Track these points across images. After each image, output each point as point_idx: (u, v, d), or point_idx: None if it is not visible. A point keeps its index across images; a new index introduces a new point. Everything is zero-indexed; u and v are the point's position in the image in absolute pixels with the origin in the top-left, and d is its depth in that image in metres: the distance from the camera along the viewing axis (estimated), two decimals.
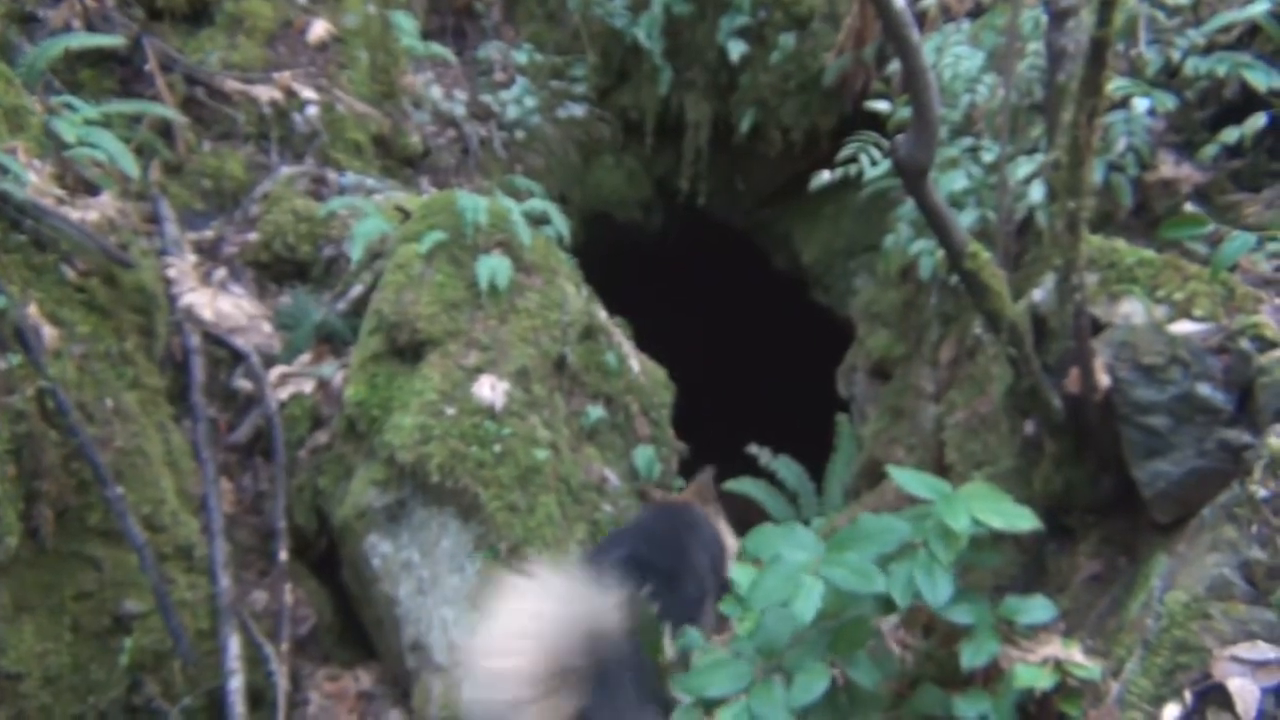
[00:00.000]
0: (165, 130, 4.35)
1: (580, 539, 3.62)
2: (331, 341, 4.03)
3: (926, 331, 4.22)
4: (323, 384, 3.88)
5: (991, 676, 2.00)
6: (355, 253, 3.91)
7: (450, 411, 3.44)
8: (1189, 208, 3.19)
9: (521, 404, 3.55)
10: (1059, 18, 3.07)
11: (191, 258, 4.05)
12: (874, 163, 3.85)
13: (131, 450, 3.10)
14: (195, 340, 3.77)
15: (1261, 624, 1.78)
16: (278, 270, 4.27)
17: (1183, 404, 2.18)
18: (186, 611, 3.15)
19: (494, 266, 3.69)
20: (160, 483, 3.19)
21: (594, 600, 2.22)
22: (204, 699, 3.16)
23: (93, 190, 3.45)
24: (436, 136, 5.39)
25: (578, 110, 5.88)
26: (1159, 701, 1.79)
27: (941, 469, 3.47)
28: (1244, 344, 2.18)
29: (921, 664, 2.22)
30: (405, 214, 4.13)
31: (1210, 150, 3.16)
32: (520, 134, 5.65)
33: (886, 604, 1.98)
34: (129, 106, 4.13)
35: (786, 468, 5.20)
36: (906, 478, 2.12)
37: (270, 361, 3.91)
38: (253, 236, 4.27)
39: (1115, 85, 3.17)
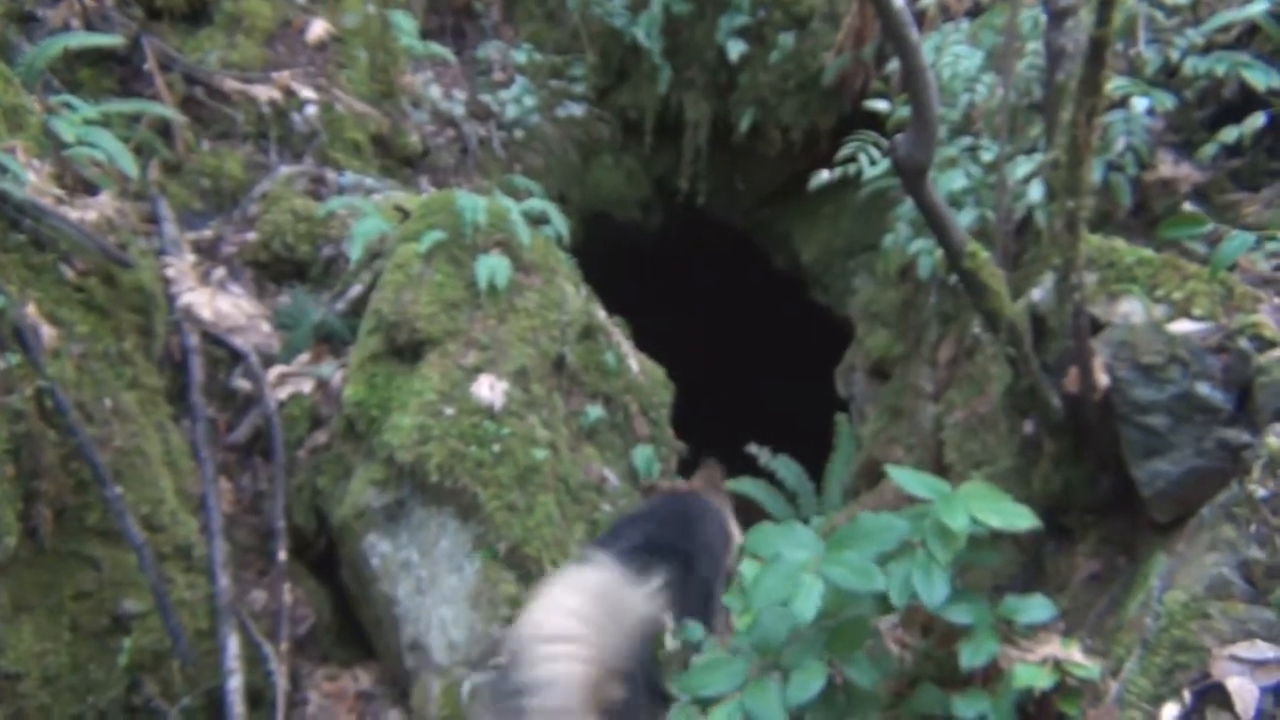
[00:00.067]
0: (164, 130, 4.35)
1: (579, 539, 3.62)
2: (330, 341, 4.03)
3: (925, 331, 4.22)
4: (322, 384, 3.88)
5: (990, 676, 2.00)
6: (354, 252, 3.91)
7: (449, 411, 3.44)
8: (1188, 207, 3.19)
9: (520, 404, 3.55)
10: (1058, 17, 3.07)
11: (190, 257, 4.05)
12: (873, 162, 3.85)
13: (130, 450, 3.10)
14: (194, 340, 3.76)
15: (1260, 623, 1.78)
16: (276, 270, 4.26)
17: (1182, 403, 2.18)
18: (185, 611, 3.15)
19: (493, 266, 3.69)
20: (159, 482, 3.19)
21: (632, 597, 2.23)
22: (203, 699, 3.16)
23: (91, 190, 3.45)
24: (435, 136, 5.39)
25: (577, 110, 5.88)
26: (1158, 701, 1.79)
27: (940, 468, 3.47)
28: (1243, 343, 2.18)
29: (920, 663, 2.22)
30: (404, 213, 4.13)
31: (1209, 149, 3.16)
32: (519, 133, 5.65)
33: (885, 603, 1.98)
34: (128, 106, 4.13)
35: (786, 467, 5.21)
36: (905, 477, 2.12)
37: (269, 361, 3.91)
38: (251, 236, 4.27)
39: (1114, 84, 3.17)
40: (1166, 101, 3.20)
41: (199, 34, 4.81)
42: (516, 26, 6.19)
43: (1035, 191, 3.34)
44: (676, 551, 2.96)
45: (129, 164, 3.51)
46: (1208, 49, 3.34)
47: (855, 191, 4.17)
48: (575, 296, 3.98)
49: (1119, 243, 2.62)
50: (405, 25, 5.21)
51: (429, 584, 3.40)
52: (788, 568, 1.99)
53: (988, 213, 3.54)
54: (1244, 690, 1.69)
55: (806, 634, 2.04)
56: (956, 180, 3.62)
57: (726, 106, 5.79)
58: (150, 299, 3.41)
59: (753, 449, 5.18)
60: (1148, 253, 2.54)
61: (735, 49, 5.40)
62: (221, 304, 3.95)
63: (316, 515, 3.72)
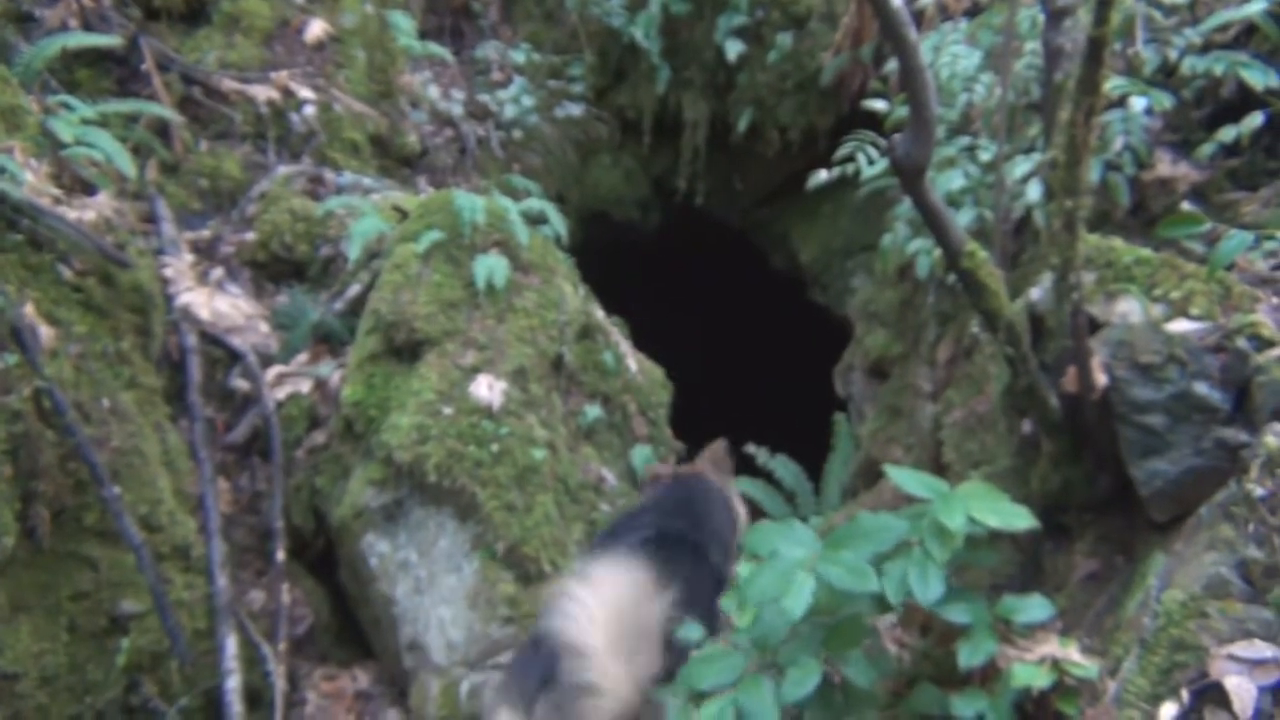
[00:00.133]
0: (162, 130, 4.35)
1: (578, 538, 3.62)
2: (329, 341, 4.03)
3: (924, 331, 4.22)
4: (320, 384, 3.88)
5: (989, 675, 2.00)
6: (352, 252, 3.91)
7: (448, 411, 3.44)
8: (1186, 206, 3.19)
9: (519, 403, 3.55)
10: (1056, 17, 3.08)
11: (188, 257, 4.05)
12: (871, 162, 3.85)
13: (128, 450, 3.10)
14: (192, 340, 3.76)
15: (1258, 622, 1.78)
16: (275, 270, 4.26)
17: (1180, 403, 2.18)
18: (184, 611, 3.15)
19: (491, 266, 3.69)
20: (157, 482, 3.19)
21: (650, 609, 2.26)
22: (201, 699, 3.16)
23: (89, 190, 3.45)
24: (434, 136, 5.39)
25: (575, 109, 5.88)
26: (1156, 700, 1.79)
27: (939, 468, 3.47)
28: (1241, 343, 2.18)
29: (919, 663, 2.22)
30: (403, 213, 4.13)
31: (1207, 149, 3.16)
32: (518, 133, 5.65)
33: (882, 603, 1.98)
34: (126, 106, 4.13)
35: (784, 467, 5.21)
36: (904, 477, 2.12)
37: (267, 361, 3.91)
38: (250, 236, 4.27)
39: (1112, 84, 3.17)
40: (1164, 101, 3.20)
41: (197, 34, 4.81)
42: (515, 26, 6.19)
43: (1033, 191, 3.34)
44: (687, 542, 3.00)
45: (127, 164, 3.51)
46: (1206, 48, 3.34)
47: (853, 191, 4.17)
48: (573, 296, 3.98)
49: (1117, 242, 2.61)
50: (403, 25, 5.21)
51: (427, 584, 3.40)
52: (783, 565, 1.99)
53: (986, 212, 3.54)
54: (1242, 689, 1.69)
55: (803, 632, 2.04)
56: (955, 180, 3.62)
57: (725, 106, 5.80)
58: (148, 299, 3.41)
59: (751, 449, 5.18)
60: (1146, 252, 2.54)
61: (733, 49, 5.40)
62: (219, 304, 3.95)
63: (315, 515, 3.72)
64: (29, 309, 2.91)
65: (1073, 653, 1.96)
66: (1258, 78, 3.06)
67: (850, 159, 3.89)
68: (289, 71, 4.77)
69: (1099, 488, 2.42)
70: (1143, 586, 2.11)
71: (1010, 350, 2.37)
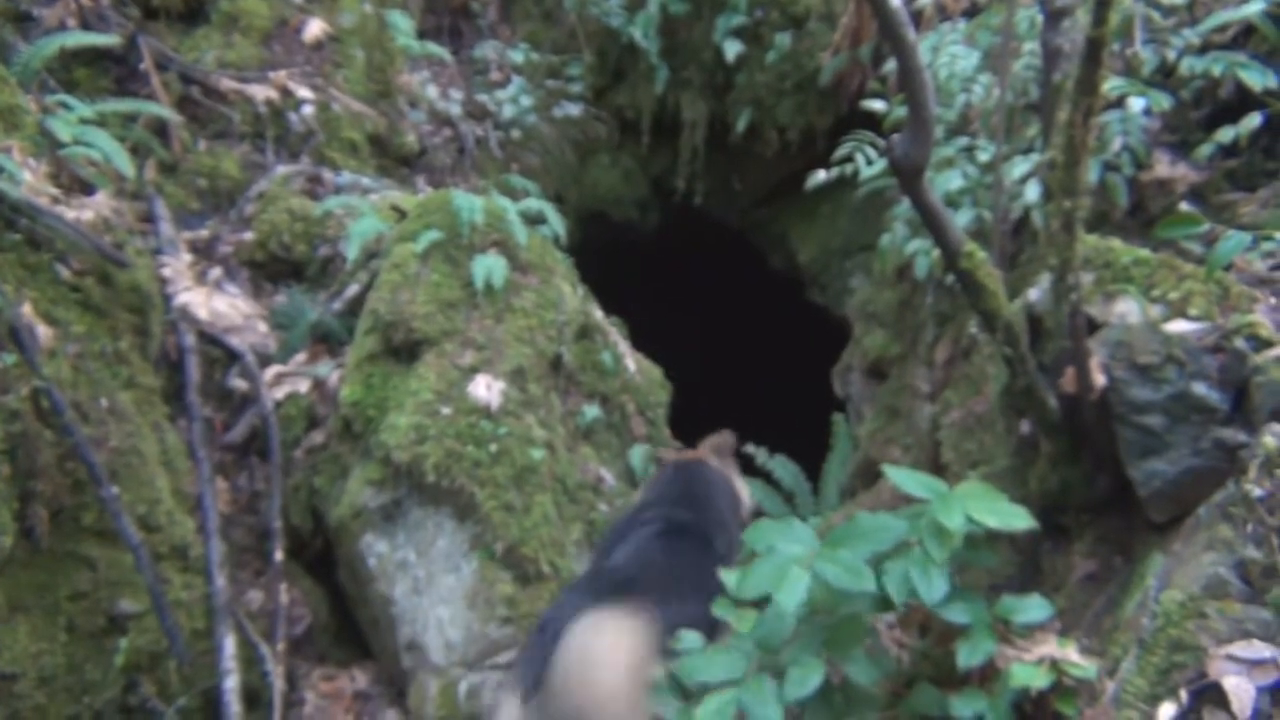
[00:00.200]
0: (160, 129, 4.35)
1: (576, 538, 3.62)
2: (327, 341, 4.02)
3: (922, 331, 4.22)
4: (318, 384, 3.88)
5: (988, 676, 2.00)
6: (351, 252, 3.91)
7: (446, 411, 3.44)
8: (1184, 207, 3.19)
9: (517, 403, 3.55)
10: (1055, 17, 3.07)
11: (187, 257, 4.05)
12: (870, 162, 3.85)
13: (127, 450, 3.09)
14: (190, 340, 3.76)
15: (1257, 623, 1.78)
16: (273, 269, 4.26)
17: (1178, 403, 2.19)
18: (182, 611, 3.15)
19: (490, 266, 3.69)
20: (155, 482, 3.18)
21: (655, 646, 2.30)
22: (199, 699, 3.16)
23: (88, 189, 3.44)
24: (432, 136, 5.39)
25: (574, 109, 5.88)
26: (1155, 700, 1.79)
27: (937, 468, 3.47)
28: (1239, 343, 2.19)
29: (918, 663, 2.22)
30: (401, 213, 4.13)
31: (1206, 150, 3.16)
32: (516, 133, 5.65)
33: (883, 602, 1.98)
34: (124, 105, 4.12)
35: (783, 467, 5.21)
36: (902, 477, 2.12)
37: (266, 361, 3.91)
38: (248, 236, 4.27)
39: (1111, 85, 3.17)
40: (1163, 102, 3.20)
41: (195, 33, 4.80)
42: (513, 26, 6.20)
43: (1032, 191, 3.34)
44: (694, 533, 3.13)
45: (125, 163, 3.51)
46: (1204, 49, 3.34)
47: (852, 191, 4.17)
48: (572, 296, 3.98)
49: (1115, 243, 2.62)
50: (402, 25, 5.21)
51: (426, 584, 3.40)
52: (779, 560, 1.99)
53: (984, 213, 3.54)
54: (1241, 690, 1.69)
55: (804, 631, 2.04)
56: (953, 180, 3.62)
57: (723, 106, 5.79)
58: (146, 299, 3.41)
59: (750, 449, 5.18)
60: (1144, 253, 2.54)
61: (732, 49, 5.40)
62: (218, 304, 3.95)
63: (313, 515, 3.72)
64: (27, 308, 2.90)
65: (1071, 653, 1.97)
66: (1256, 78, 3.06)
67: (849, 159, 3.89)
68: (287, 71, 4.77)
69: (1097, 488, 2.42)
70: (1141, 587, 2.11)
71: (1008, 351, 2.37)
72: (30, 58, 3.75)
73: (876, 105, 4.13)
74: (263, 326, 4.01)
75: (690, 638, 2.38)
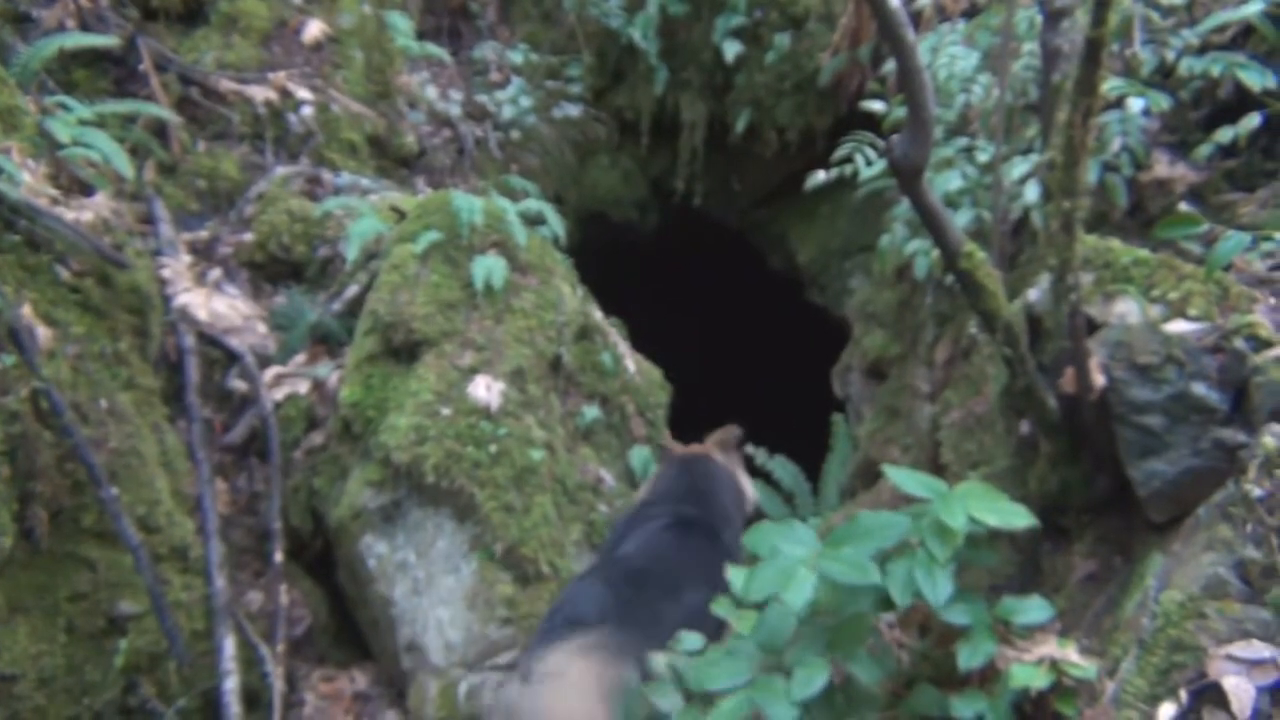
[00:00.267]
0: (160, 130, 4.35)
1: (576, 539, 3.62)
2: (327, 342, 4.02)
3: (922, 331, 4.22)
4: (318, 385, 3.88)
5: (988, 676, 2.00)
6: (350, 253, 3.91)
7: (446, 412, 3.44)
8: (1184, 207, 3.19)
9: (517, 404, 3.55)
10: (1054, 18, 3.07)
11: (186, 258, 4.05)
12: (869, 163, 3.85)
13: (126, 451, 3.09)
14: (190, 341, 3.76)
15: (1256, 623, 1.78)
16: (273, 270, 4.26)
17: (1178, 403, 2.19)
18: (181, 612, 3.15)
19: (489, 266, 3.69)
20: (155, 484, 3.18)
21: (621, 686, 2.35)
22: (199, 700, 3.16)
23: (87, 190, 3.44)
24: (432, 136, 5.39)
25: (573, 110, 5.88)
26: (1154, 700, 1.79)
27: (937, 469, 3.47)
28: (1239, 343, 2.19)
29: (918, 664, 2.22)
30: (400, 214, 4.13)
31: (1205, 150, 3.16)
32: (516, 134, 5.65)
33: (885, 601, 1.99)
34: (123, 106, 4.12)
35: (783, 468, 5.21)
36: (903, 477, 2.12)
37: (265, 362, 3.91)
38: (248, 237, 4.27)
39: (1110, 85, 3.17)
40: (1162, 102, 3.21)
41: (195, 34, 4.80)
42: (513, 27, 6.19)
43: (1031, 192, 3.34)
44: (701, 526, 3.22)
45: (124, 165, 3.51)
46: (1203, 49, 3.34)
47: (852, 192, 4.17)
48: (572, 297, 3.98)
49: (1115, 243, 2.62)
50: (401, 26, 5.21)
51: (426, 585, 3.39)
52: (785, 562, 1.99)
53: (984, 213, 3.54)
54: (1240, 690, 1.69)
55: (808, 632, 2.04)
56: (953, 181, 3.62)
57: (723, 107, 5.79)
58: (146, 300, 3.40)
59: (749, 449, 5.18)
60: (1143, 253, 2.54)
61: (731, 50, 5.40)
62: (217, 305, 3.95)
63: (313, 516, 3.72)
64: (26, 309, 2.90)
65: (1071, 653, 1.96)
66: (1255, 79, 3.06)
67: (848, 160, 3.89)
68: (287, 72, 4.77)
69: (1097, 488, 2.42)
70: (1141, 587, 2.11)
71: (1008, 351, 2.37)
72: (29, 59, 3.75)
73: (876, 106, 4.13)
74: (262, 327, 4.01)
75: (691, 639, 2.38)
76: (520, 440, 3.49)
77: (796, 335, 6.44)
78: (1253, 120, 3.03)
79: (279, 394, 3.81)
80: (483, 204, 3.85)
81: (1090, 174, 3.15)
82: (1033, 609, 2.04)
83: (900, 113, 3.82)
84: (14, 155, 3.11)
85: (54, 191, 3.24)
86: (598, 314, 4.19)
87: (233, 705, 3.13)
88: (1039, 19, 3.26)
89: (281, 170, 4.52)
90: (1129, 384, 2.23)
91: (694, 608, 2.59)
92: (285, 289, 4.21)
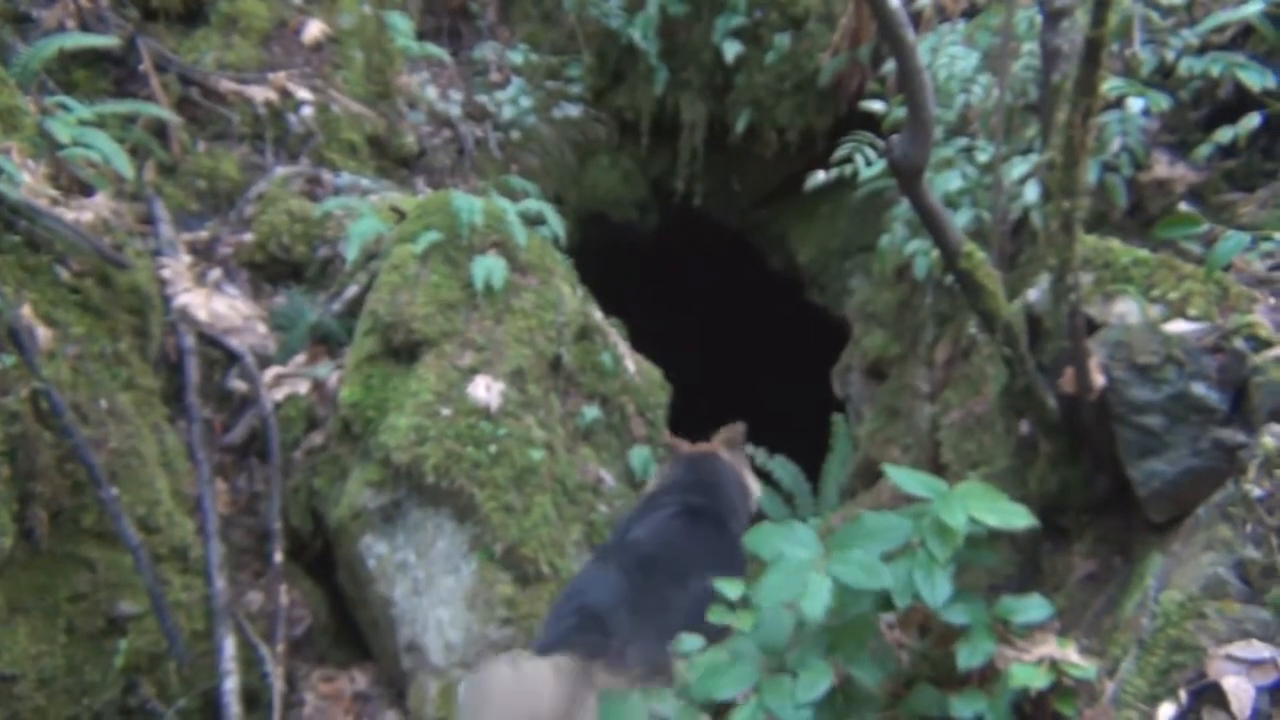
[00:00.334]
0: (160, 131, 4.35)
1: (575, 539, 3.62)
2: (327, 342, 4.02)
3: (922, 331, 4.22)
4: (318, 385, 3.88)
5: (987, 676, 2.00)
6: (350, 253, 3.91)
7: (446, 412, 3.44)
8: (1184, 207, 3.19)
9: (517, 404, 3.55)
10: (1054, 18, 3.07)
11: (186, 258, 4.05)
12: (869, 163, 3.85)
13: (126, 451, 3.09)
14: (190, 341, 3.76)
15: (1256, 623, 1.78)
16: (273, 271, 4.26)
17: (1178, 403, 2.18)
18: (181, 613, 3.15)
19: (489, 267, 3.69)
20: (155, 484, 3.18)
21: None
22: (199, 700, 3.16)
23: (87, 191, 3.44)
24: (432, 137, 5.39)
25: (573, 110, 5.88)
26: (1154, 700, 1.79)
27: (937, 469, 3.47)
28: (1238, 343, 2.19)
29: (917, 664, 2.22)
30: (400, 214, 4.13)
31: (1205, 150, 3.16)
32: (516, 134, 5.65)
33: (885, 601, 1.98)
34: (123, 107, 4.12)
35: (782, 468, 5.21)
36: (903, 477, 2.12)
37: (265, 362, 3.91)
38: (248, 237, 4.27)
39: (1110, 85, 3.17)
40: (1162, 102, 3.20)
41: (195, 35, 4.80)
42: (513, 27, 6.19)
43: (1031, 192, 3.34)
44: (709, 515, 3.30)
45: (124, 165, 3.51)
46: (1203, 50, 3.34)
47: (851, 192, 4.17)
48: (572, 297, 3.98)
49: (1114, 243, 2.62)
50: (401, 26, 5.21)
51: (426, 585, 3.39)
52: (792, 566, 1.98)
53: (984, 213, 3.54)
54: (1240, 690, 1.69)
55: (810, 634, 2.04)
56: (952, 181, 3.62)
57: (723, 107, 5.79)
58: (146, 300, 3.40)
59: (749, 449, 5.17)
60: (1143, 253, 2.54)
61: (731, 50, 5.40)
62: (217, 305, 3.95)
63: (313, 516, 3.72)
64: (26, 310, 2.90)
65: (1071, 653, 1.96)
66: (1255, 79, 3.06)
67: (848, 160, 3.89)
68: (287, 72, 4.77)
69: (1097, 488, 2.42)
70: (1140, 587, 2.11)
71: (1008, 351, 2.37)
72: (29, 59, 3.75)
73: (876, 106, 4.13)
74: (262, 328, 4.01)
75: (691, 641, 2.37)
76: (520, 440, 3.49)
77: (796, 335, 6.44)
78: (1252, 120, 3.03)
79: (279, 394, 3.81)
80: (483, 204, 3.85)
81: (1090, 174, 3.15)
82: (1032, 609, 2.03)
83: (900, 113, 3.82)
84: (14, 155, 3.12)
85: (54, 192, 3.25)
86: (598, 314, 4.19)
87: (232, 705, 3.13)
88: (1039, 19, 3.26)
89: (281, 170, 4.52)
90: (1129, 384, 2.23)
91: (702, 595, 2.62)
92: (285, 289, 4.21)
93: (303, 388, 3.86)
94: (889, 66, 4.39)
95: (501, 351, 3.60)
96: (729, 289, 7.15)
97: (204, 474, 3.50)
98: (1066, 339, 2.26)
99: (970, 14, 4.59)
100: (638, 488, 3.97)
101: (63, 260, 3.10)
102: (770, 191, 6.25)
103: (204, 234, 4.26)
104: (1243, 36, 3.39)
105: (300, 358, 3.96)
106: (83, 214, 3.23)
